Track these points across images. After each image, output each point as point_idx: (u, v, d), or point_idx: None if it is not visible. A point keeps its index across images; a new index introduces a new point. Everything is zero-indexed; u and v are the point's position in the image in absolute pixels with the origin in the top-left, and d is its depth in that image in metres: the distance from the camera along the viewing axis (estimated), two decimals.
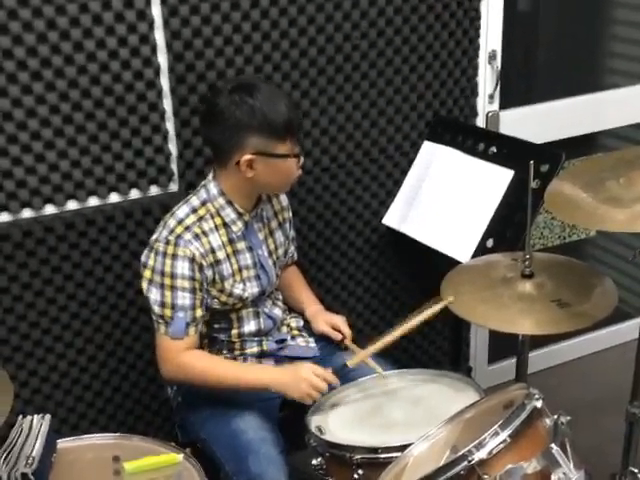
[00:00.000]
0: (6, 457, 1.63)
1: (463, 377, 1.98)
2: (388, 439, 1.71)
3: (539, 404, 1.37)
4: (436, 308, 1.88)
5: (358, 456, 1.67)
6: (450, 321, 2.72)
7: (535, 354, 3.01)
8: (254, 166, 1.88)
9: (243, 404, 1.99)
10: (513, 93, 2.73)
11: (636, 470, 1.34)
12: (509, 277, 1.87)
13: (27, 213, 2.11)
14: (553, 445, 1.29)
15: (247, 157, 1.86)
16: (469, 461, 1.29)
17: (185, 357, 1.93)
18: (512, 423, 1.32)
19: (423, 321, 1.92)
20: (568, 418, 1.36)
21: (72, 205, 2.15)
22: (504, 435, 1.31)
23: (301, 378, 1.89)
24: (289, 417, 2.07)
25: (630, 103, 2.94)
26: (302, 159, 1.95)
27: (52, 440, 1.70)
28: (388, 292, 2.70)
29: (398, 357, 2.73)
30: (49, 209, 2.13)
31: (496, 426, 1.31)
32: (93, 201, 2.18)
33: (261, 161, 1.87)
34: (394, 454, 1.63)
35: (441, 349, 2.87)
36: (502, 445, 1.31)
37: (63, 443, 1.78)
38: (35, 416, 1.72)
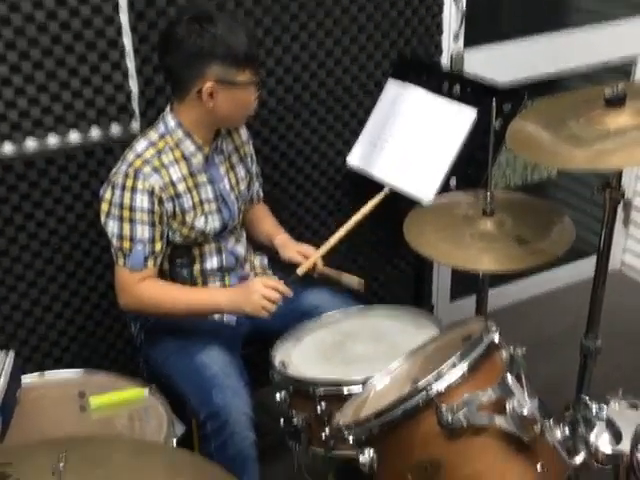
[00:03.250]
0: None
1: (424, 313, 2.02)
2: (350, 373, 1.74)
3: (496, 337, 1.41)
4: (375, 200, 2.04)
5: (321, 389, 1.71)
6: (413, 260, 2.76)
7: (496, 291, 3.07)
8: (214, 95, 1.88)
9: (206, 338, 2.02)
10: (478, 32, 2.71)
11: (586, 397, 1.39)
12: (470, 215, 1.90)
13: None
14: (508, 375, 1.33)
15: (208, 85, 1.86)
16: (427, 391, 1.33)
17: (141, 286, 1.94)
18: (470, 355, 1.36)
19: (365, 214, 2.09)
20: (524, 350, 1.40)
21: (31, 143, 2.12)
22: (462, 366, 1.35)
23: (252, 290, 1.92)
24: (253, 353, 2.11)
25: (595, 42, 2.94)
26: (259, 90, 1.96)
27: (16, 376, 1.71)
28: (352, 230, 2.71)
29: (362, 295, 2.77)
30: (8, 147, 2.09)
31: (454, 358, 1.34)
32: (53, 139, 2.14)
33: (222, 90, 1.88)
34: (356, 387, 1.67)
35: (404, 288, 2.91)
36: (460, 376, 1.34)
37: (28, 379, 1.80)
38: None
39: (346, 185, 2.63)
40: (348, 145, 2.54)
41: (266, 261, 2.25)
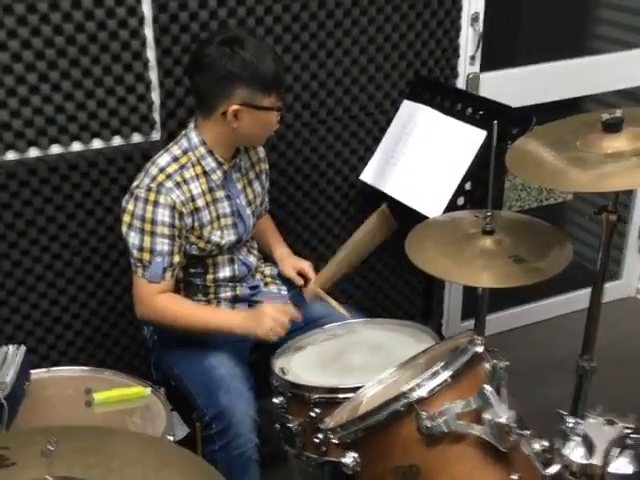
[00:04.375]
0: None
1: (424, 327, 2.05)
2: (345, 381, 1.79)
3: (480, 349, 1.45)
4: (372, 218, 2.10)
5: (315, 396, 1.75)
6: (423, 277, 2.80)
7: (501, 315, 3.12)
8: (239, 117, 1.95)
9: (216, 344, 2.08)
10: (494, 55, 2.76)
11: (564, 412, 1.42)
12: (471, 233, 1.95)
13: (11, 155, 2.17)
14: (487, 386, 1.37)
15: (234, 107, 1.93)
16: (408, 398, 1.37)
17: (159, 300, 2.01)
18: (452, 364, 1.40)
19: (365, 234, 2.13)
20: (506, 363, 1.44)
21: (56, 149, 2.22)
22: (445, 375, 1.39)
23: (263, 315, 1.98)
24: (258, 363, 2.16)
25: (612, 70, 2.96)
26: (282, 113, 2.04)
27: (26, 369, 1.79)
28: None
29: (372, 310, 2.82)
30: (33, 152, 2.19)
31: (436, 366, 1.39)
32: (76, 146, 2.24)
33: (247, 112, 1.94)
34: (349, 395, 1.71)
35: (415, 305, 2.95)
36: (442, 385, 1.39)
37: (37, 375, 1.87)
38: (11, 346, 1.80)
39: (359, 201, 2.68)
40: (363, 162, 2.60)
41: (276, 271, 2.31)
